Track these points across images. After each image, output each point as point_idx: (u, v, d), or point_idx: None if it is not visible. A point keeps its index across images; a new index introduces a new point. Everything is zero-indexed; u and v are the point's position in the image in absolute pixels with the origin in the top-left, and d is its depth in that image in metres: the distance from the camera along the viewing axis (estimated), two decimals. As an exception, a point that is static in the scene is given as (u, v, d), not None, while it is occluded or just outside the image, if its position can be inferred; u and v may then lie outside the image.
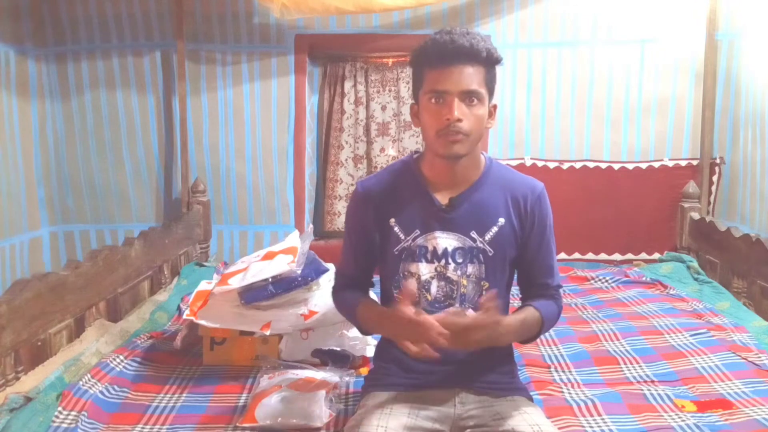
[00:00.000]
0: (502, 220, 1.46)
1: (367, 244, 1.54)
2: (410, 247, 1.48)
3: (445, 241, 1.46)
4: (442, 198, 1.47)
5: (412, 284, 1.46)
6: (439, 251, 1.46)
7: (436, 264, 1.47)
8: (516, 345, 1.62)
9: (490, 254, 1.45)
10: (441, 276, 1.47)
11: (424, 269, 1.47)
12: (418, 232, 1.47)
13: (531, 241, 1.49)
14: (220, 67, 3.40)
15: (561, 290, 1.55)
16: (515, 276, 1.56)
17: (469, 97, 1.38)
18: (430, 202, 1.47)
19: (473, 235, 1.45)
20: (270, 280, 1.97)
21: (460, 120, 1.36)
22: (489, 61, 1.40)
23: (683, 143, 3.34)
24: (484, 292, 1.46)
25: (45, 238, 3.40)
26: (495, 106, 1.45)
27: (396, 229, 1.49)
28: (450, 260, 1.46)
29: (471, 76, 1.37)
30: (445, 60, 1.37)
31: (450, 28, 1.40)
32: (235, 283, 1.99)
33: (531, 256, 1.50)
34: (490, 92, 1.42)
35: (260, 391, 1.74)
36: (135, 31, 3.36)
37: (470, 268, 1.46)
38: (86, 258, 2.35)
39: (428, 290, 1.47)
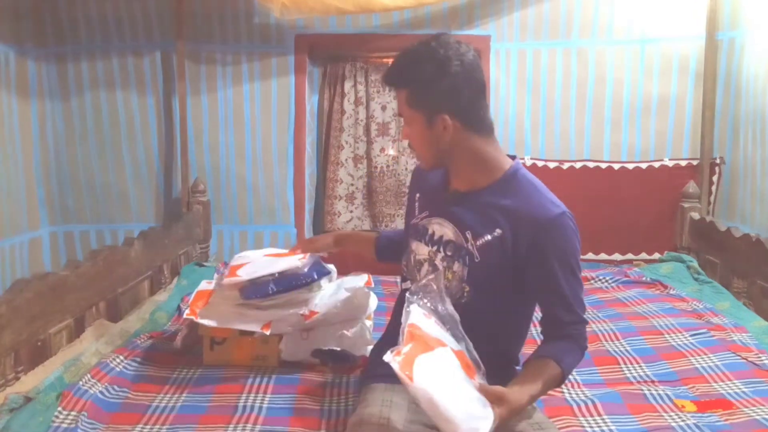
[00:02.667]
0: (499, 231, 1.43)
1: (408, 211, 1.68)
2: (417, 225, 1.56)
3: (441, 229, 1.50)
4: (452, 191, 1.52)
5: (411, 260, 1.55)
6: (435, 237, 1.50)
7: (430, 248, 1.51)
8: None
9: (476, 260, 1.44)
10: (431, 261, 1.50)
11: (422, 249, 1.53)
12: (427, 213, 1.54)
13: (532, 269, 1.42)
14: (220, 67, 3.40)
15: (583, 326, 1.45)
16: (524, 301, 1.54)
17: (402, 117, 1.51)
18: (443, 190, 1.54)
19: (468, 235, 1.46)
20: (276, 275, 1.97)
21: (405, 138, 1.54)
22: (403, 83, 1.44)
23: (683, 143, 3.34)
24: (465, 294, 1.46)
25: (45, 238, 3.40)
26: (444, 119, 1.41)
27: (416, 204, 1.59)
28: (441, 249, 1.49)
29: (397, 99, 1.51)
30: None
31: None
32: (244, 274, 1.99)
33: (535, 285, 1.44)
34: (425, 108, 1.42)
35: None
36: (135, 31, 3.36)
37: (456, 266, 1.46)
38: (86, 258, 2.35)
39: (419, 270, 1.52)
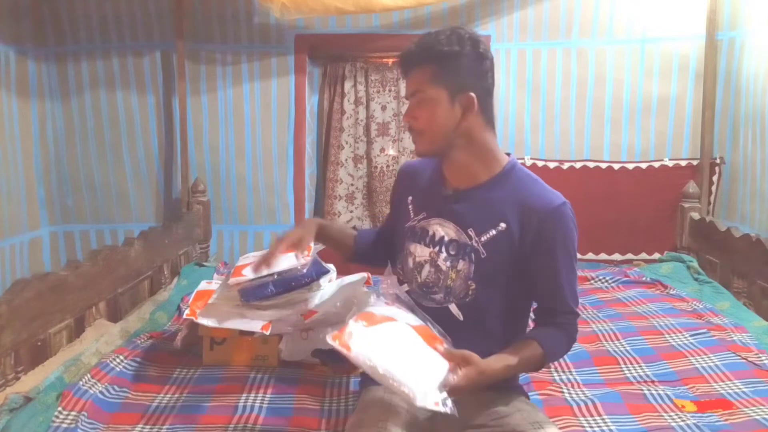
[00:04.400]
0: (503, 225, 1.43)
1: (393, 216, 1.67)
2: (414, 227, 1.54)
3: (442, 229, 1.49)
4: (451, 189, 1.50)
5: (409, 263, 1.54)
6: (436, 237, 1.49)
7: (431, 249, 1.49)
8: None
9: (483, 256, 1.44)
10: (433, 262, 1.49)
11: (421, 251, 1.51)
12: (424, 215, 1.53)
13: (536, 259, 1.43)
14: (220, 67, 3.40)
15: (575, 317, 1.47)
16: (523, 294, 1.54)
17: (415, 97, 1.44)
18: (440, 189, 1.52)
19: (470, 233, 1.45)
20: (275, 276, 1.97)
21: (410, 120, 1.46)
22: (431, 58, 1.40)
23: (683, 143, 3.34)
24: (470, 292, 1.46)
25: (45, 238, 3.40)
26: (470, 98, 1.41)
27: (410, 207, 1.57)
28: (443, 249, 1.48)
29: (414, 78, 1.44)
30: (401, 70, 1.49)
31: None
32: (249, 273, 1.99)
33: (536, 275, 1.45)
34: (453, 84, 1.40)
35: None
36: (135, 31, 3.36)
37: (461, 264, 1.46)
38: (86, 258, 2.35)
39: (419, 272, 1.51)
